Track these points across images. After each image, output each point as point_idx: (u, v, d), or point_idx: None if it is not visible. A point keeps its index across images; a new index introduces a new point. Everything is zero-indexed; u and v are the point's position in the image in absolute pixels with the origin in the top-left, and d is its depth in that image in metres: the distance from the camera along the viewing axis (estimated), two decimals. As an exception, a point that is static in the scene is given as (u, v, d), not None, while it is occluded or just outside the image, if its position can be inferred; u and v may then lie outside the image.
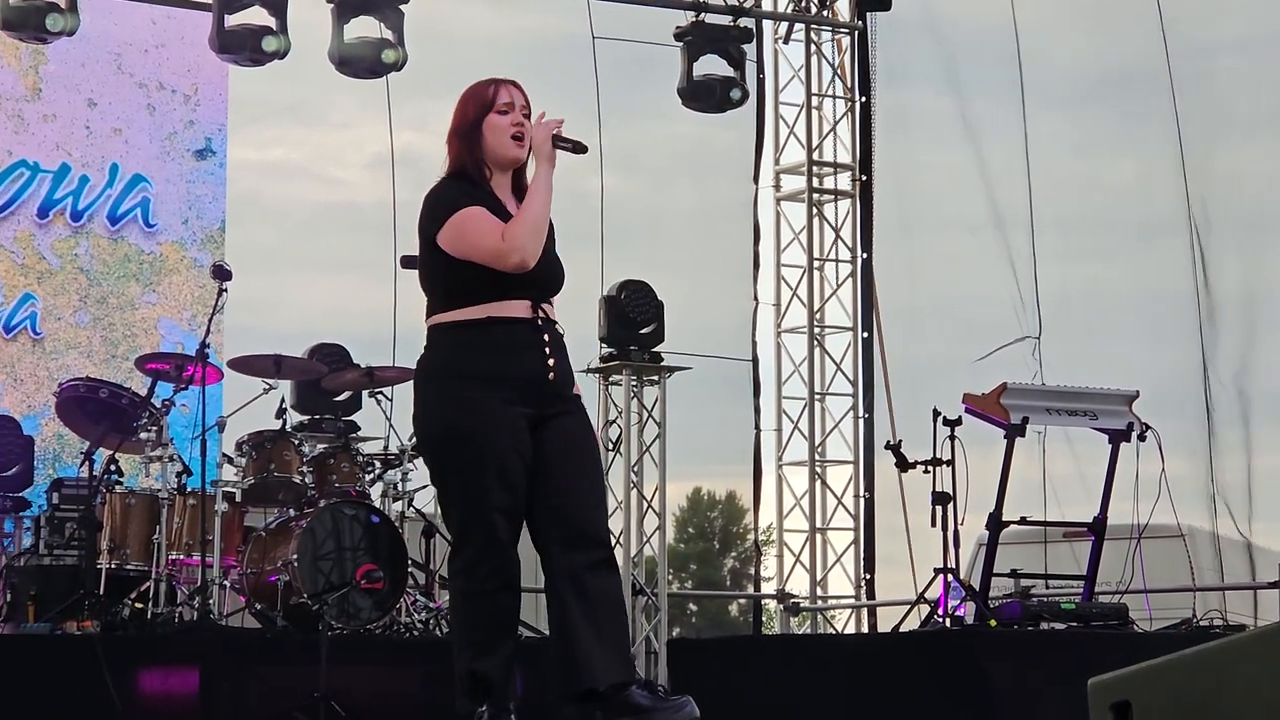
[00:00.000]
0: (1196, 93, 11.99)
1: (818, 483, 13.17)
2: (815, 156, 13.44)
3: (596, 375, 10.35)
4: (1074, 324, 12.29)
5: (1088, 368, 10.62)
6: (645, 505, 10.58)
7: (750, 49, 12.37)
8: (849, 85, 13.51)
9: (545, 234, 5.26)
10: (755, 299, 13.20)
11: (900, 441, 9.49)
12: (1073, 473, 11.07)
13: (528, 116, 5.34)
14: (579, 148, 5.30)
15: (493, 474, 5.18)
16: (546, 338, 5.31)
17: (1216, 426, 11.84)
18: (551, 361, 5.30)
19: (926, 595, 9.01)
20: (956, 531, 8.91)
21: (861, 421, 13.18)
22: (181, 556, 8.54)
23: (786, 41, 13.49)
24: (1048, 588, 9.19)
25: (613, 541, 5.54)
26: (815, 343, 13.28)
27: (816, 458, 13.11)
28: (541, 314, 5.31)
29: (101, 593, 8.23)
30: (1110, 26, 12.48)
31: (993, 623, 8.37)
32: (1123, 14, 12.31)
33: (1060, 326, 12.32)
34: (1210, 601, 10.14)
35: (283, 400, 9.07)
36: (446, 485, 5.32)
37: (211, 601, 8.20)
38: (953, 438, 8.98)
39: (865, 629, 12.87)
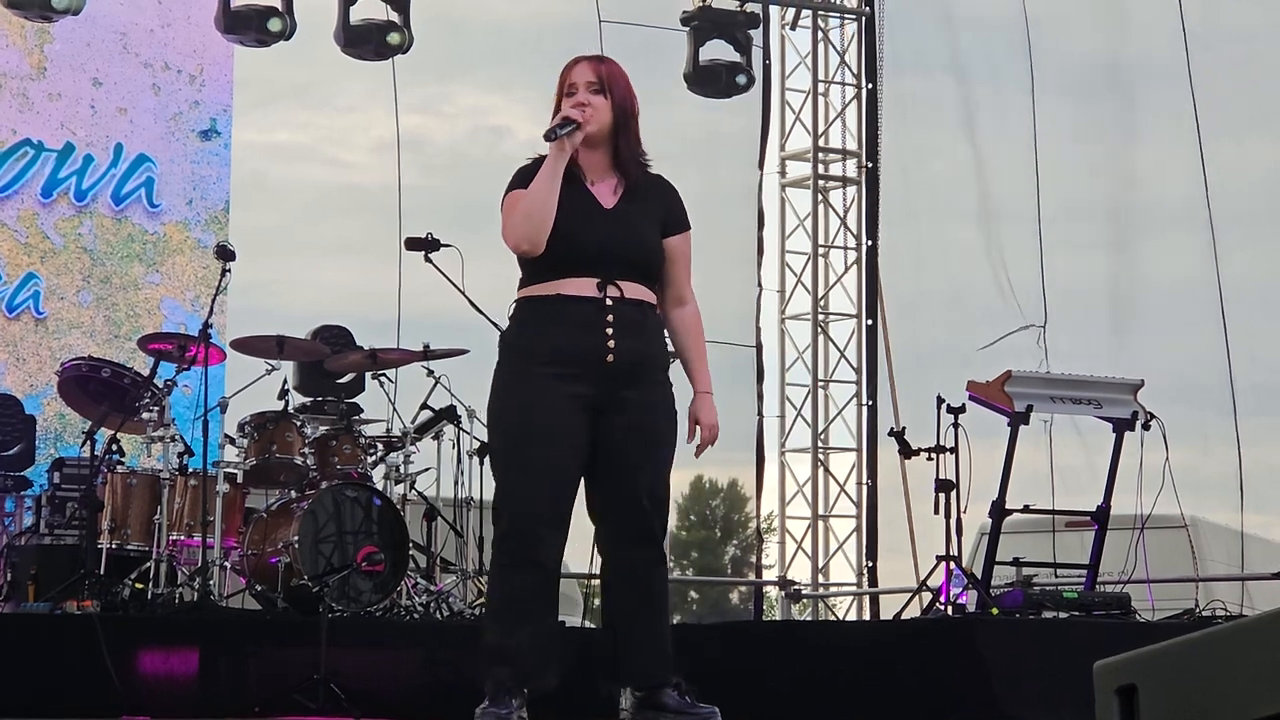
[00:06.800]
0: (1211, 82, 11.91)
1: (820, 470, 13.17)
2: (821, 143, 13.43)
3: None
4: (1080, 313, 12.25)
5: (1095, 357, 10.57)
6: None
7: (757, 34, 12.34)
8: (856, 72, 13.48)
9: (543, 219, 5.09)
10: (759, 285, 13.19)
11: (904, 429, 9.46)
12: (1082, 463, 11.03)
13: (599, 90, 5.23)
14: (565, 124, 5.16)
15: (531, 451, 5.11)
16: (611, 318, 5.14)
17: (1234, 417, 11.78)
18: (613, 343, 5.13)
19: (929, 583, 8.99)
20: (959, 519, 8.88)
21: (865, 409, 13.18)
22: (182, 537, 8.51)
23: (794, 27, 13.48)
24: (1056, 575, 9.16)
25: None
26: (819, 329, 13.27)
27: (819, 445, 13.12)
28: (614, 292, 5.16)
29: (102, 572, 8.20)
30: (1122, 15, 12.41)
31: (995, 611, 8.34)
32: (1137, 3, 12.27)
33: (1067, 316, 12.28)
34: (1215, 592, 10.11)
35: (285, 381, 9.05)
36: (493, 457, 5.35)
37: (212, 582, 8.17)
38: (956, 425, 8.94)
39: (867, 616, 12.86)
